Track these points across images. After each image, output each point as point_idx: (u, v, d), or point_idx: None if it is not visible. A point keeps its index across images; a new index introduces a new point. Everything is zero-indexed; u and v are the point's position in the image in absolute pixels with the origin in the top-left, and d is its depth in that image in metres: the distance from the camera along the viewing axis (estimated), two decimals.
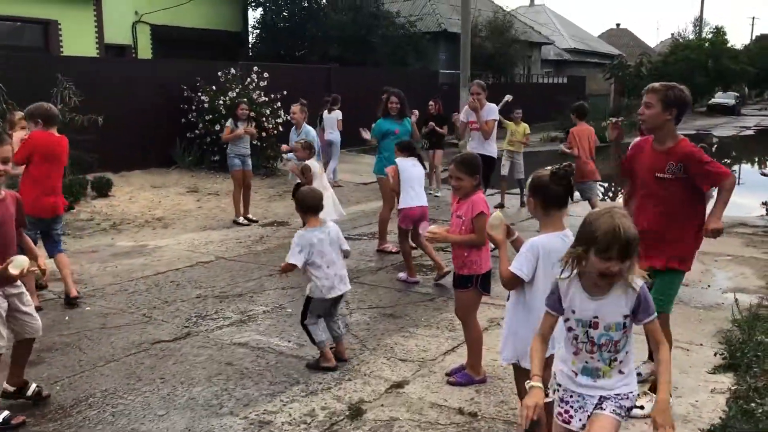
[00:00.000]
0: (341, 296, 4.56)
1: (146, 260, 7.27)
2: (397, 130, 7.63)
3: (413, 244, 6.69)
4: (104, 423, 3.69)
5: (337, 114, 13.00)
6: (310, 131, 8.56)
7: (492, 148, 8.04)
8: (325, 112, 13.07)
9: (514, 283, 3.19)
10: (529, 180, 3.24)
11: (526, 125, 11.22)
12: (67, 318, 5.37)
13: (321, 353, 4.43)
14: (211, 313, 5.56)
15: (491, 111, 7.84)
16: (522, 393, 3.16)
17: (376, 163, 7.87)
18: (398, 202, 6.62)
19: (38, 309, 5.41)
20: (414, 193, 6.48)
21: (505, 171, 10.93)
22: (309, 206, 4.48)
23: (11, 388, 3.85)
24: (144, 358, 4.57)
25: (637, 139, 4.33)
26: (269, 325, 5.27)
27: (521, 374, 3.27)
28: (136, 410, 3.81)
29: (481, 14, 27.82)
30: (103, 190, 10.61)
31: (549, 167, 3.17)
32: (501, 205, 10.57)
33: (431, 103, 12.80)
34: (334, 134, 12.88)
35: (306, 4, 22.40)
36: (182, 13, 20.53)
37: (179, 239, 8.43)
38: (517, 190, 11.14)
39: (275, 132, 13.46)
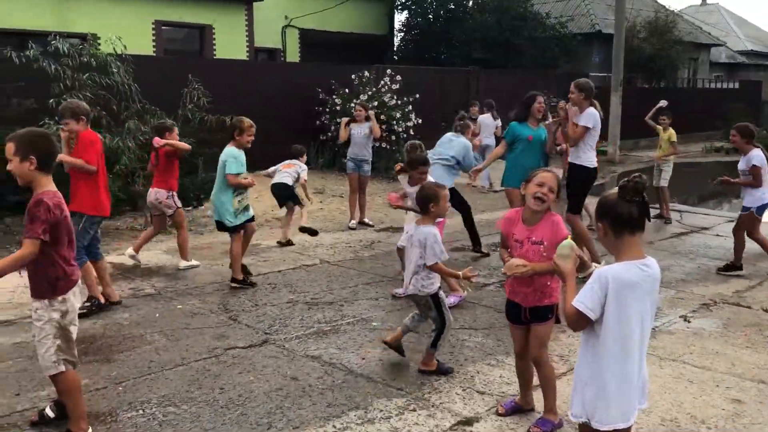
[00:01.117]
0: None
1: (253, 260, 7.27)
2: (531, 136, 7.04)
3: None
4: None
5: (498, 121, 12.93)
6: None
7: (587, 158, 7.00)
8: (487, 116, 12.97)
9: (579, 321, 2.65)
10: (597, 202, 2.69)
11: (672, 132, 10.38)
12: (157, 315, 5.41)
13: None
14: (296, 320, 5.37)
15: (585, 116, 6.93)
16: None
17: (504, 172, 7.28)
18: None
19: (117, 303, 5.55)
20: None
21: (654, 181, 10.23)
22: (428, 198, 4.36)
23: None
24: (212, 364, 4.45)
25: None
26: (349, 338, 4.99)
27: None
28: (185, 422, 3.66)
29: (641, 14, 26.07)
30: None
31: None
32: (660, 216, 10.04)
33: (561, 105, 12.37)
34: (490, 139, 12.67)
35: (452, 7, 22.11)
36: (330, 17, 21.00)
37: (292, 240, 8.40)
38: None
39: (405, 136, 13.24)
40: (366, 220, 9.38)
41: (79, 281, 3.56)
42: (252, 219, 6.58)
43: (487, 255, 7.72)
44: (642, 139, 21.05)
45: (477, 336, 5.12)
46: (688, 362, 4.68)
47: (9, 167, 3.37)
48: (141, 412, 3.77)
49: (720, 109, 24.24)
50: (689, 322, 5.59)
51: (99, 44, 9.02)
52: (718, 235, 9.19)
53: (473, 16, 21.22)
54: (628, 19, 22.74)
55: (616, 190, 2.62)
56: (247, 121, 6.26)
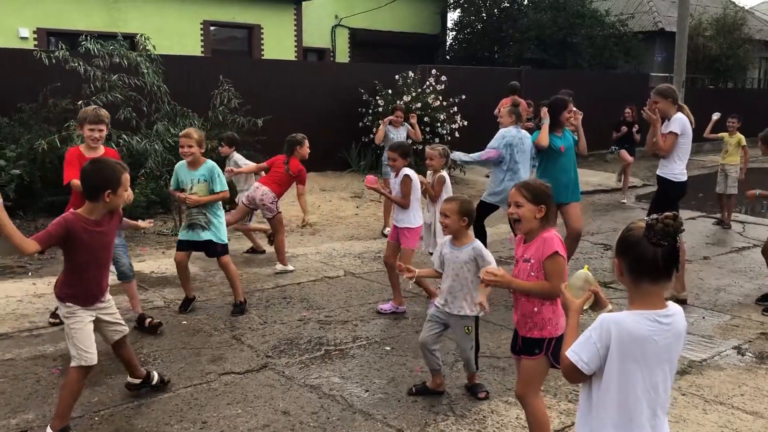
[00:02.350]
0: None
1: (274, 269, 6.95)
2: (563, 147, 6.44)
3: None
4: None
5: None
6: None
7: (675, 169, 6.36)
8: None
9: (572, 374, 2.17)
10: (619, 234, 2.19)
11: (741, 136, 9.97)
12: (159, 332, 5.10)
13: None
14: (303, 341, 4.99)
15: (674, 122, 6.29)
16: None
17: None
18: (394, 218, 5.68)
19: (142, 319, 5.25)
20: (419, 208, 5.69)
21: (719, 188, 9.91)
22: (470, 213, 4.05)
23: (137, 381, 3.99)
24: (201, 392, 4.10)
25: None
26: (356, 365, 4.57)
27: None
28: None
29: (707, 11, 24.79)
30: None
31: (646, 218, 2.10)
32: (720, 222, 9.68)
33: (627, 109, 12.08)
34: None
35: (506, 5, 21.44)
36: (380, 16, 20.66)
37: (320, 248, 8.06)
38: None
39: (449, 138, 12.72)
40: None
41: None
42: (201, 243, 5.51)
43: None
44: (706, 143, 19.91)
45: (499, 365, 4.63)
46: (738, 407, 4.09)
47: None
48: None
49: None
50: (743, 355, 4.97)
51: (149, 43, 8.82)
52: None
53: (527, 14, 20.51)
54: (692, 16, 21.61)
55: (642, 223, 2.13)
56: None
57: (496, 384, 4.32)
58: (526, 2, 21.47)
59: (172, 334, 5.06)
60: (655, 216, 2.07)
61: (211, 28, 16.60)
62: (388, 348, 4.88)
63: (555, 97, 6.73)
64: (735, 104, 22.43)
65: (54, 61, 8.45)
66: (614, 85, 18.17)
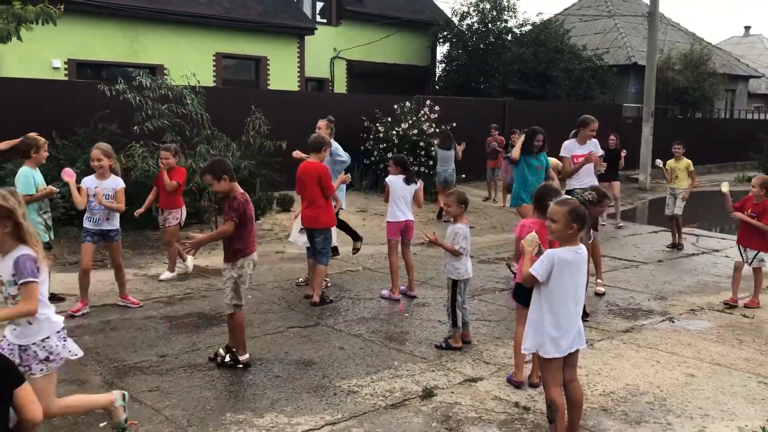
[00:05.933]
0: None
1: (305, 265, 8.50)
2: (539, 166, 8.06)
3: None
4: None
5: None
6: (335, 144, 8.67)
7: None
8: None
9: (532, 281, 3.78)
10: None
11: (688, 162, 10.67)
12: None
13: (453, 335, 5.48)
14: (342, 310, 6.59)
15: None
16: (546, 379, 3.74)
17: (512, 197, 8.35)
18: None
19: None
20: (399, 208, 7.09)
21: (668, 210, 10.75)
22: (465, 201, 5.58)
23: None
24: (278, 337, 5.69)
25: None
26: (385, 323, 6.18)
27: (543, 363, 3.82)
28: (260, 372, 4.88)
29: (676, 46, 26.89)
30: (285, 205, 12.26)
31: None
32: (673, 245, 10.63)
33: (612, 137, 13.27)
34: None
35: (492, 39, 23.29)
36: (375, 49, 22.45)
37: (341, 250, 9.63)
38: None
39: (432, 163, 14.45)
40: None
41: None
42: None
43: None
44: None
45: (491, 324, 6.25)
46: (661, 350, 5.72)
47: (214, 190, 4.98)
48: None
49: (756, 140, 24.69)
50: (673, 322, 6.61)
51: (166, 74, 10.40)
52: (726, 256, 9.93)
53: (511, 49, 22.33)
54: (662, 51, 23.62)
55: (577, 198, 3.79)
56: (42, 139, 6.60)
57: (489, 336, 5.94)
58: (509, 38, 23.33)
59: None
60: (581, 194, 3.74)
61: (223, 59, 18.23)
62: (406, 314, 6.49)
63: (532, 127, 8.39)
64: (702, 133, 24.54)
65: (114, 92, 10.03)
66: (590, 114, 19.94)
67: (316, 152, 6.93)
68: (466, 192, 5.82)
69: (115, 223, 6.37)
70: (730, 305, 7.19)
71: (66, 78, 15.38)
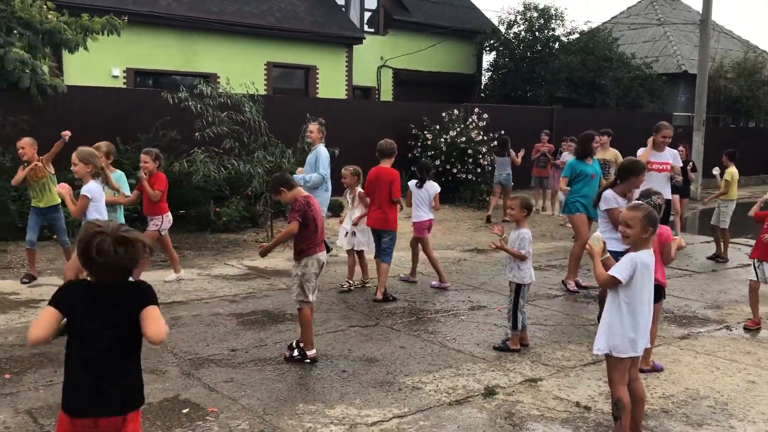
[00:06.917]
0: None
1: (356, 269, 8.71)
2: (593, 174, 7.95)
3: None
4: None
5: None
6: (322, 152, 8.80)
7: None
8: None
9: (611, 284, 3.85)
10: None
11: (730, 171, 10.46)
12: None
13: (512, 338, 5.62)
14: (399, 311, 6.77)
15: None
16: (614, 378, 3.83)
17: (565, 204, 8.41)
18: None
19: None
20: (421, 209, 7.88)
21: (713, 220, 10.61)
22: (529, 206, 5.75)
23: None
24: (340, 335, 5.89)
25: None
26: (442, 325, 6.35)
27: (614, 362, 3.89)
28: (328, 366, 5.09)
29: (729, 54, 26.46)
30: (335, 210, 12.50)
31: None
32: (715, 257, 10.44)
33: (680, 148, 12.20)
34: None
35: (539, 48, 23.27)
36: (421, 57, 22.65)
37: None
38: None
39: (490, 168, 14.54)
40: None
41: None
42: None
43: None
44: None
45: (547, 329, 6.35)
46: (719, 356, 5.75)
47: (281, 201, 5.42)
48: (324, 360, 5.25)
49: None
50: (731, 330, 6.60)
51: (219, 82, 10.75)
52: None
53: (558, 57, 22.30)
54: (714, 59, 23.27)
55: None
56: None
57: (546, 339, 6.05)
58: (557, 46, 23.29)
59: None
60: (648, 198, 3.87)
61: (274, 68, 18.65)
62: (462, 317, 6.64)
63: (587, 131, 8.42)
64: (755, 142, 24.04)
65: (176, 100, 10.42)
66: (639, 122, 19.84)
67: (388, 157, 7.48)
68: (529, 198, 5.95)
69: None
70: (748, 329, 6.61)
71: (125, 86, 15.97)
